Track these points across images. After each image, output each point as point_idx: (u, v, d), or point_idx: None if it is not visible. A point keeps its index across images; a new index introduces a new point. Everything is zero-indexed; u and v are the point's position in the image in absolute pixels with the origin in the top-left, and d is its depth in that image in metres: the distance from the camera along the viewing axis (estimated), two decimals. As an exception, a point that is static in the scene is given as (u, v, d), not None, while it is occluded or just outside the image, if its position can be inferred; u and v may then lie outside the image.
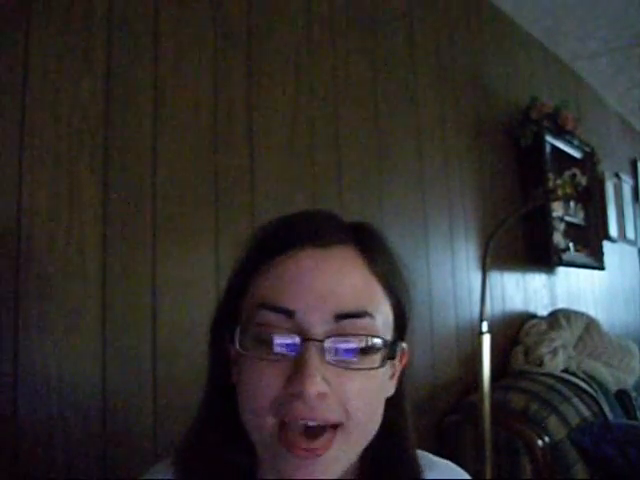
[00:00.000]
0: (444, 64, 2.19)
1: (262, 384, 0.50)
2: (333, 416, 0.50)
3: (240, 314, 0.55)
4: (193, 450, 0.58)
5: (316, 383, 0.48)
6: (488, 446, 1.61)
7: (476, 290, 2.05)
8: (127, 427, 1.08)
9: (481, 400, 1.62)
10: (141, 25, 1.19)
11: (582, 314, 2.51)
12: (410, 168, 1.94)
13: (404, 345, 0.58)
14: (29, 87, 1.00)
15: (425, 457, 0.62)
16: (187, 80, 1.27)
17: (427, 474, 0.60)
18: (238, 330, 0.52)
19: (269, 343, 0.50)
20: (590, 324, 2.47)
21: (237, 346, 0.52)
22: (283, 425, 0.50)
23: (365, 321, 0.52)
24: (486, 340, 1.64)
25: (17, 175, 0.97)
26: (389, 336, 0.55)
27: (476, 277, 2.15)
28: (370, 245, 0.57)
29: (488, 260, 1.67)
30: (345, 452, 0.52)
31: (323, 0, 1.67)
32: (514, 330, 2.37)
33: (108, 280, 1.08)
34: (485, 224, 2.26)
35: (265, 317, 0.51)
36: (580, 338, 2.40)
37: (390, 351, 0.53)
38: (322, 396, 0.49)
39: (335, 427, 0.50)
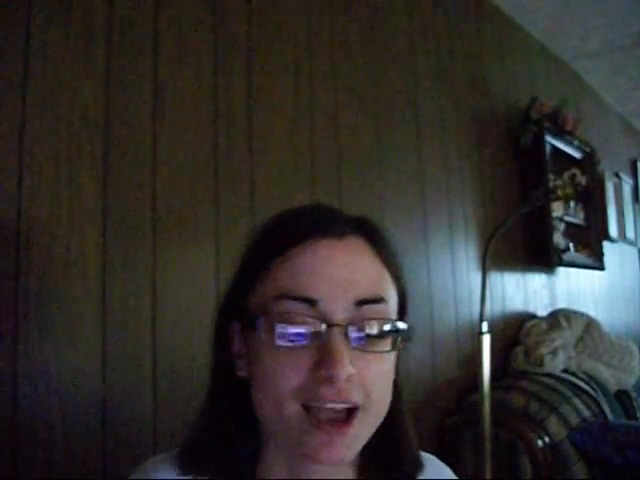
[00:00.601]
0: (444, 64, 2.19)
1: (286, 372, 0.52)
2: (357, 397, 0.52)
3: (247, 307, 0.56)
4: (200, 445, 0.59)
5: (345, 366, 0.50)
6: (488, 446, 1.60)
7: (476, 290, 2.05)
8: (127, 427, 1.08)
9: (481, 400, 1.62)
10: (141, 25, 1.19)
11: (582, 314, 2.51)
12: (410, 168, 1.94)
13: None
14: (29, 87, 1.00)
15: None
16: (187, 80, 1.27)
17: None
18: (262, 320, 0.53)
19: (291, 332, 0.52)
20: (590, 324, 2.46)
21: (262, 336, 0.53)
22: (308, 410, 0.52)
23: (382, 306, 0.55)
24: (486, 340, 1.64)
25: (17, 175, 0.97)
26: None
27: (476, 277, 2.15)
28: (376, 236, 0.59)
29: (488, 260, 1.67)
30: (363, 431, 0.54)
31: (323, 0, 1.67)
32: (514, 330, 2.37)
33: (108, 280, 1.08)
34: (485, 224, 2.26)
35: (287, 307, 0.53)
36: (580, 338, 2.40)
37: (404, 334, 0.56)
38: (349, 378, 0.51)
39: (353, 413, 0.52)
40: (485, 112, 2.42)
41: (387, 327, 0.55)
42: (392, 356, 0.56)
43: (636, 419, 2.19)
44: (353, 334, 0.52)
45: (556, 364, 2.14)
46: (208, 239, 1.27)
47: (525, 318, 2.46)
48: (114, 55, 1.13)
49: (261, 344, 0.53)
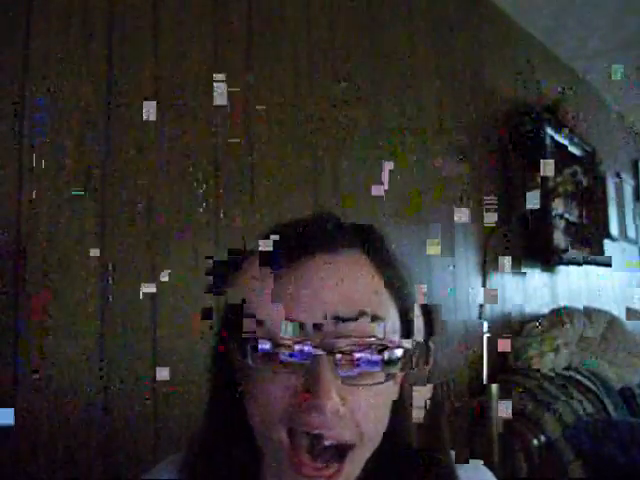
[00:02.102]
0: (444, 64, 2.19)
1: (272, 396, 0.51)
2: (348, 435, 0.50)
3: (241, 327, 0.55)
4: (201, 455, 0.58)
5: (331, 396, 0.48)
6: (495, 446, 1.60)
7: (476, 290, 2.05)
8: (127, 427, 1.08)
9: (481, 400, 1.62)
10: (141, 25, 1.19)
11: (582, 312, 2.51)
12: (410, 168, 1.94)
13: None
14: (29, 87, 1.00)
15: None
16: (187, 80, 1.27)
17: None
18: (249, 345, 0.52)
19: (278, 355, 0.51)
20: (592, 322, 2.46)
21: (249, 361, 0.52)
22: (291, 433, 0.50)
23: (371, 325, 0.52)
24: (486, 340, 1.64)
25: (17, 175, 0.97)
26: (396, 339, 0.54)
27: (476, 277, 2.15)
28: (376, 249, 0.57)
29: (488, 260, 1.67)
30: (355, 468, 0.53)
31: (323, 0, 1.67)
32: (514, 330, 2.37)
33: (108, 280, 1.08)
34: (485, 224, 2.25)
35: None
36: (581, 337, 2.40)
37: (407, 358, 0.53)
38: (336, 412, 0.49)
39: (345, 451, 0.51)
40: (485, 111, 2.42)
41: (390, 354, 0.52)
42: (387, 384, 0.53)
43: None
44: (343, 360, 0.51)
45: (558, 362, 2.14)
46: (208, 239, 1.27)
47: (525, 318, 2.46)
48: (114, 55, 1.13)
49: (249, 366, 0.52)
